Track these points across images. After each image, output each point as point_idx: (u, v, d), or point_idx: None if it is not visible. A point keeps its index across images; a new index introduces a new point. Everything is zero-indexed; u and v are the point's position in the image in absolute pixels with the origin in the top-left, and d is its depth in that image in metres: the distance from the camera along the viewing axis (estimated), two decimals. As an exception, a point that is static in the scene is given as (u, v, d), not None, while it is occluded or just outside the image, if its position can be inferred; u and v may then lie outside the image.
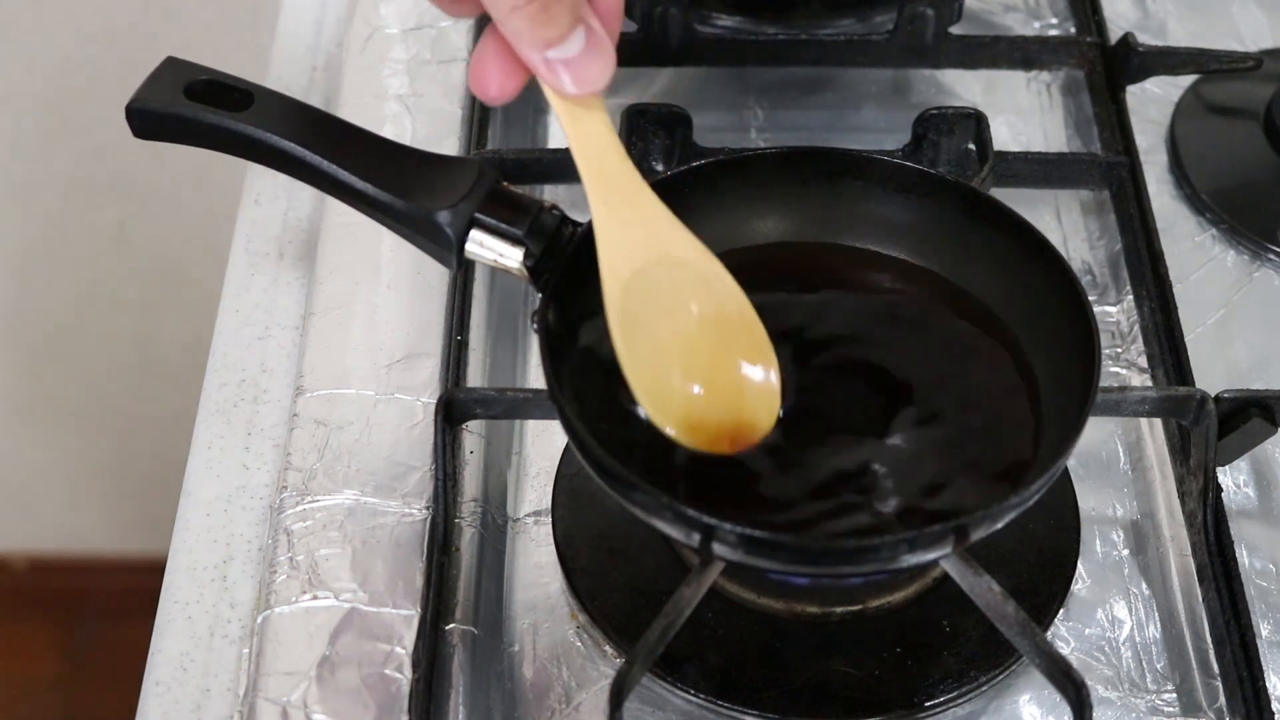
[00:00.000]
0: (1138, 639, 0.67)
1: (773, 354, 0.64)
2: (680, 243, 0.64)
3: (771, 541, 0.58)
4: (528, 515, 0.71)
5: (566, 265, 0.65)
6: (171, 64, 0.67)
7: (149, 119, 0.67)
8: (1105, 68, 0.87)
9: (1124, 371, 0.76)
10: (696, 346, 0.63)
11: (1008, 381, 0.66)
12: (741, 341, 0.64)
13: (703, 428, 0.62)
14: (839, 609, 0.66)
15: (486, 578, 0.68)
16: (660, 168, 0.80)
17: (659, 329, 0.63)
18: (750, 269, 0.66)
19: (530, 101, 0.89)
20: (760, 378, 0.64)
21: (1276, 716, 0.63)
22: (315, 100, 0.87)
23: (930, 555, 0.59)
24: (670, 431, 0.62)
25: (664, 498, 0.58)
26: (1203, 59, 0.86)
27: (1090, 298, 0.67)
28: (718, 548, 0.58)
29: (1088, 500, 0.71)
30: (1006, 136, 0.87)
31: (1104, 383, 0.68)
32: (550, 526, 0.69)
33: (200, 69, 0.67)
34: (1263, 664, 0.64)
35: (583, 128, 0.63)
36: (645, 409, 0.62)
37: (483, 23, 0.87)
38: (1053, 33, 0.92)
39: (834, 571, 0.63)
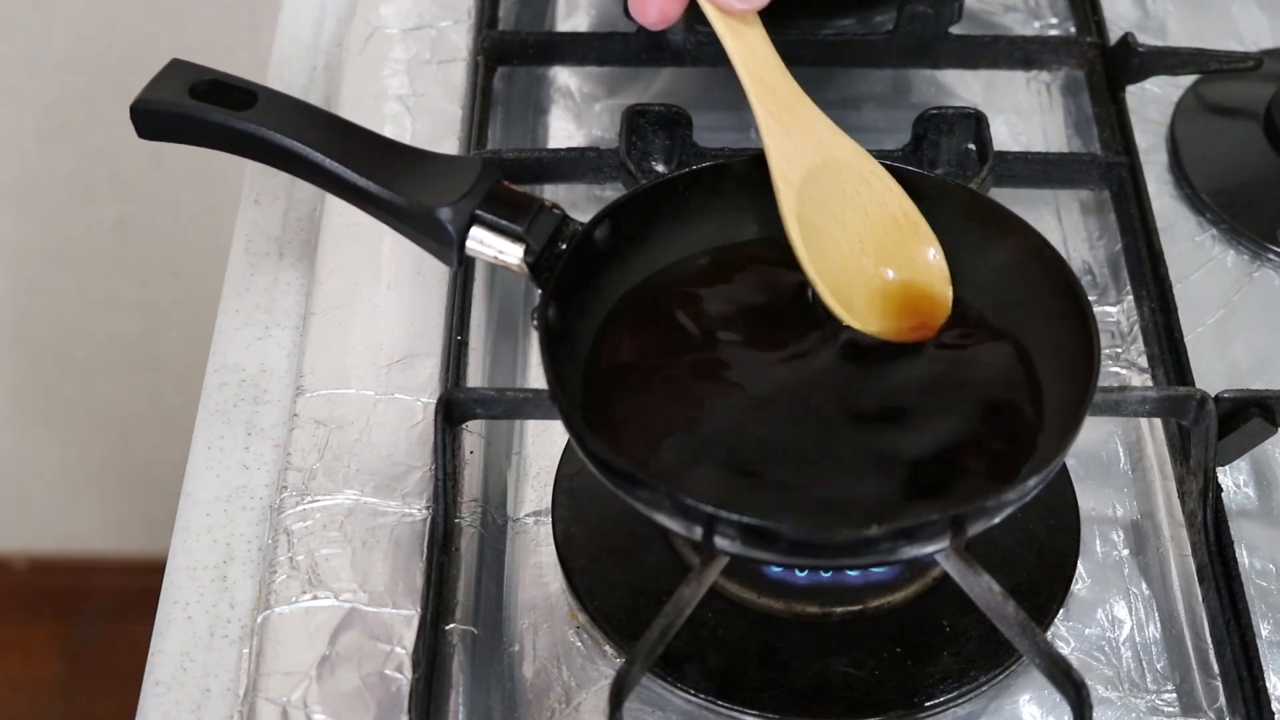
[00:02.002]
0: (1138, 639, 0.67)
1: (937, 244, 0.67)
2: (841, 145, 0.68)
3: (771, 531, 0.58)
4: (528, 515, 0.71)
5: (567, 263, 0.65)
6: (176, 65, 0.68)
7: (153, 119, 0.67)
8: (1105, 68, 0.87)
9: (1124, 371, 0.76)
10: (868, 243, 0.67)
11: (1008, 381, 0.66)
12: (907, 234, 0.67)
13: (886, 318, 0.66)
14: (839, 609, 0.66)
15: (486, 578, 0.68)
16: (660, 168, 0.80)
17: (833, 229, 0.66)
18: (746, 261, 0.66)
19: (530, 101, 0.89)
20: (928, 269, 0.67)
21: (1277, 716, 0.63)
22: (315, 100, 0.87)
23: (928, 548, 0.59)
24: (857, 325, 0.66)
25: (665, 489, 0.58)
26: (1203, 59, 0.86)
27: (1090, 298, 0.67)
28: (719, 539, 0.58)
29: (1088, 500, 0.71)
30: (1006, 136, 0.87)
31: (1104, 383, 0.68)
32: (550, 526, 0.69)
33: (204, 70, 0.67)
34: (1263, 664, 0.64)
35: (745, 43, 0.67)
36: (833, 308, 0.66)
37: (481, 21, 0.88)
38: (1053, 33, 0.92)
39: (832, 563, 0.63)
